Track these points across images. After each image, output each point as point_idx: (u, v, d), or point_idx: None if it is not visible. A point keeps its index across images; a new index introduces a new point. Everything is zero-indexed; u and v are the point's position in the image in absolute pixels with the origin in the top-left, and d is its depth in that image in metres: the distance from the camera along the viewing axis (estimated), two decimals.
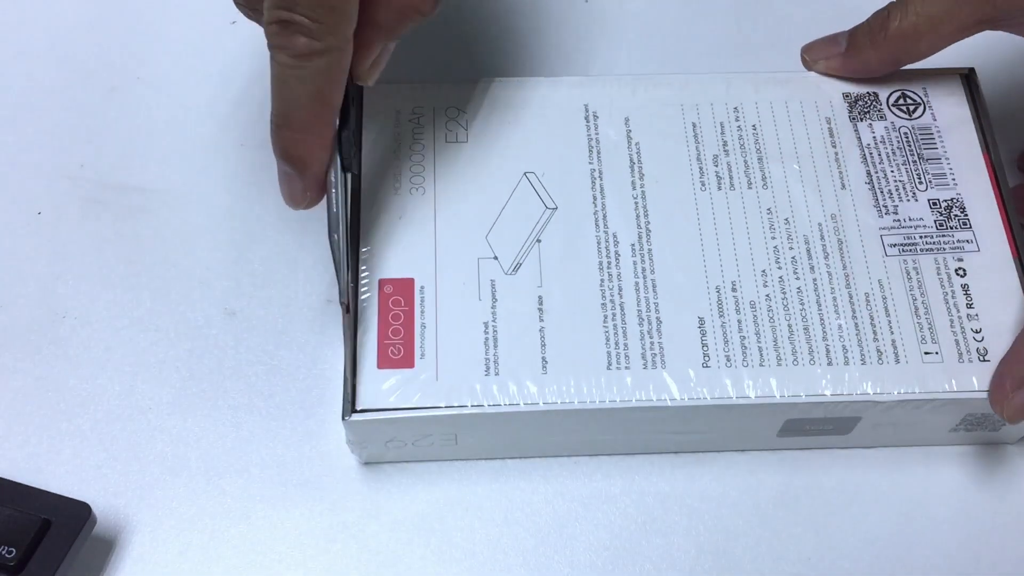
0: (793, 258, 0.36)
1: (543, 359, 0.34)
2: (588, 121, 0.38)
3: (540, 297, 0.35)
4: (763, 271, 0.36)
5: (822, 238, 0.36)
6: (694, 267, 0.36)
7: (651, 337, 0.35)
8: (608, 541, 0.36)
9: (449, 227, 0.36)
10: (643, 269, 0.36)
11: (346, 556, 0.35)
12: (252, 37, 0.46)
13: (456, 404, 0.34)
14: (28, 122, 0.44)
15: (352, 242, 0.36)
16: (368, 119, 0.38)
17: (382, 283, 0.35)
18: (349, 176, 0.35)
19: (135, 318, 0.39)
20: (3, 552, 0.32)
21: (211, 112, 0.44)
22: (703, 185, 0.37)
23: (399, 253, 0.36)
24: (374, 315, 0.35)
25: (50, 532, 0.33)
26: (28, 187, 0.42)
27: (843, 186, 0.37)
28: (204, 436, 0.37)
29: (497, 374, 0.34)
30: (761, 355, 0.34)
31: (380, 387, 0.34)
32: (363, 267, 0.36)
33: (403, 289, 0.35)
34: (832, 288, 0.36)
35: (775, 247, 0.36)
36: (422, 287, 0.35)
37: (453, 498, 0.36)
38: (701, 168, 0.38)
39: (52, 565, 0.33)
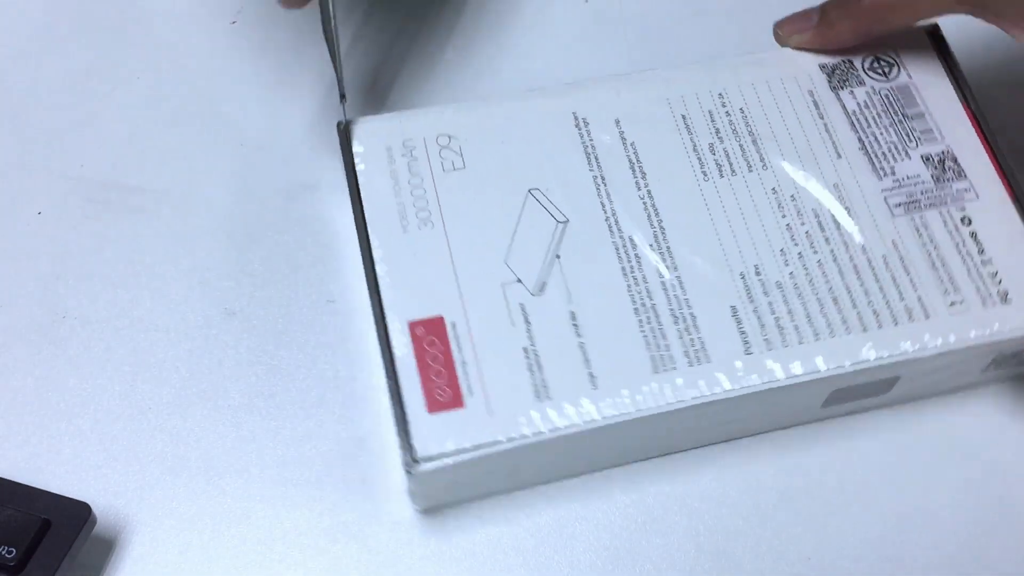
0: (807, 232, 0.36)
1: (590, 374, 0.34)
2: (580, 128, 0.38)
3: (572, 312, 0.35)
4: (781, 250, 0.36)
5: (830, 209, 0.37)
6: (715, 257, 0.36)
7: (689, 334, 0.35)
8: (608, 541, 0.36)
9: (466, 257, 0.36)
10: (666, 267, 0.36)
11: (346, 556, 0.35)
12: (252, 37, 0.46)
13: (517, 436, 0.33)
14: (28, 122, 0.44)
15: (369, 271, 0.36)
16: (362, 162, 0.37)
17: (412, 326, 0.35)
18: None
19: (135, 318, 0.39)
20: (3, 552, 0.33)
21: (211, 112, 0.44)
22: (705, 175, 0.37)
23: (422, 292, 0.35)
24: (412, 360, 0.34)
25: (50, 532, 0.33)
26: (28, 187, 0.42)
27: (838, 155, 0.38)
28: (204, 436, 0.37)
29: (549, 398, 0.34)
30: (799, 333, 0.35)
31: (436, 433, 0.33)
32: (390, 313, 0.35)
33: (435, 328, 0.35)
34: (850, 256, 0.36)
35: (787, 224, 0.37)
36: (453, 323, 0.35)
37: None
38: (700, 158, 0.38)
39: (52, 565, 0.33)
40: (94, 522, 0.34)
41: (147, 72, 0.45)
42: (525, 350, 0.34)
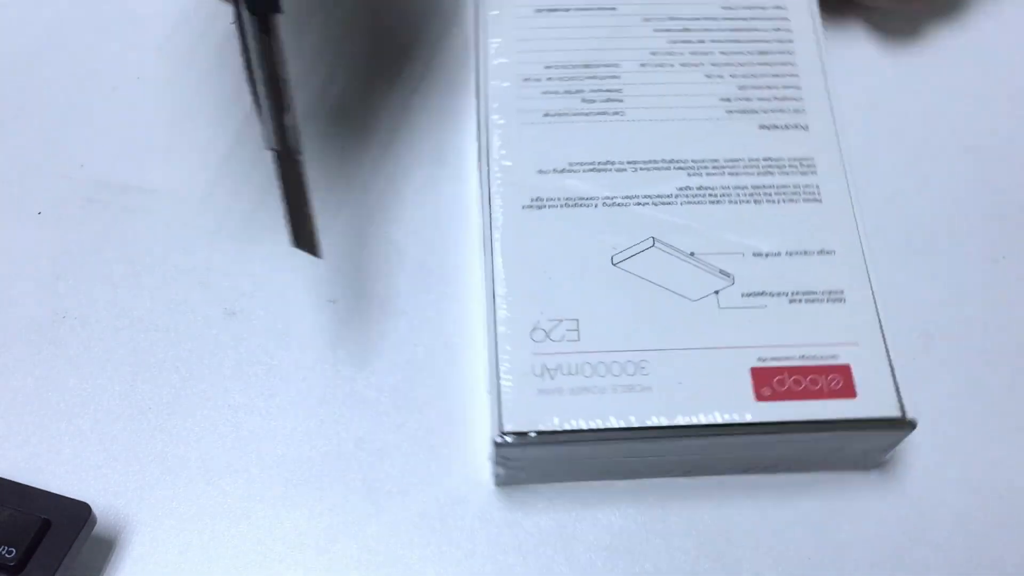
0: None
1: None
2: None
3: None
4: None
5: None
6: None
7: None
8: (608, 541, 0.36)
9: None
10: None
11: (346, 556, 0.35)
12: None
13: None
14: (28, 122, 0.44)
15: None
16: None
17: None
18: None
19: (135, 318, 0.39)
20: (3, 552, 0.33)
21: (211, 112, 0.44)
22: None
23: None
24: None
25: (50, 532, 0.33)
26: (28, 187, 0.42)
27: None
28: (204, 436, 0.37)
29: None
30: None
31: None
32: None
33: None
34: None
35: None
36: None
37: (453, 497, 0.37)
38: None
39: (52, 565, 0.33)
40: (94, 522, 0.34)
41: (147, 72, 0.45)
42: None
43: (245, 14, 0.29)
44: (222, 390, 0.38)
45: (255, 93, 0.29)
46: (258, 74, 0.29)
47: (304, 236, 0.31)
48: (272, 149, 0.29)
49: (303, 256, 0.40)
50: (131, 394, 0.38)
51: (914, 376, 0.38)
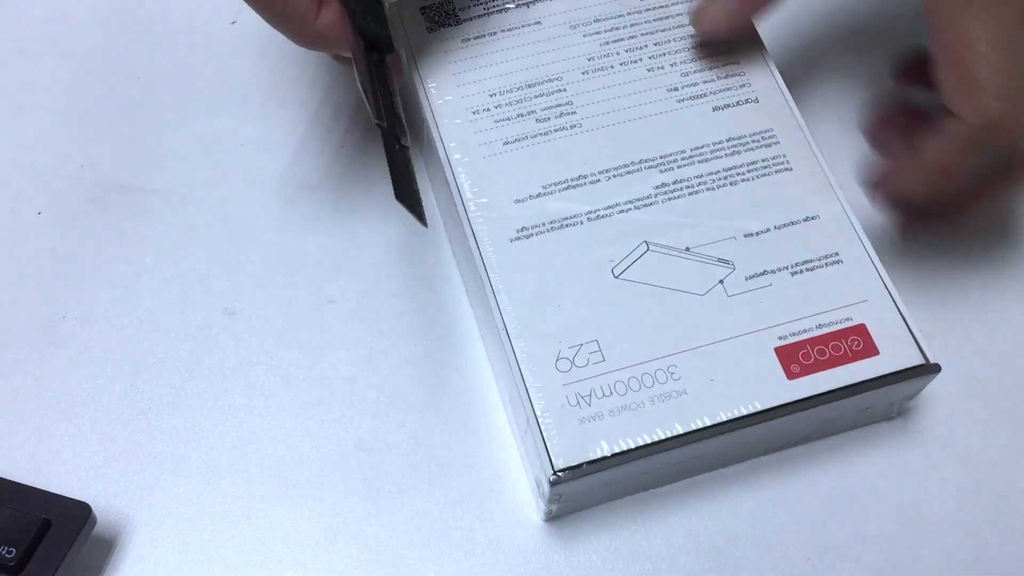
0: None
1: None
2: None
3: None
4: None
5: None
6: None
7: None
8: (608, 541, 0.36)
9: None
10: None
11: (346, 556, 0.35)
12: (252, 37, 0.46)
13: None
14: (28, 122, 0.44)
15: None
16: None
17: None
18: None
19: (135, 318, 0.39)
20: (3, 552, 0.32)
21: (211, 112, 0.44)
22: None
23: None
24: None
25: (50, 532, 0.33)
26: (28, 187, 0.42)
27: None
28: (204, 436, 0.37)
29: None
30: None
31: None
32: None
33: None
34: None
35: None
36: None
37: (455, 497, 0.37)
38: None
39: (52, 565, 0.33)
40: (94, 522, 0.34)
41: (147, 72, 0.45)
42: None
43: (370, 52, 0.36)
44: (222, 390, 0.38)
45: (373, 103, 0.35)
46: (379, 88, 0.36)
47: (410, 200, 0.34)
48: (379, 125, 0.35)
49: (303, 256, 0.41)
50: (131, 394, 0.38)
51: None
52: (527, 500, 0.36)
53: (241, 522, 0.36)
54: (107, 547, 0.35)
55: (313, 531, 0.36)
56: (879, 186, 0.38)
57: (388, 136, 0.35)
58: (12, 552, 0.32)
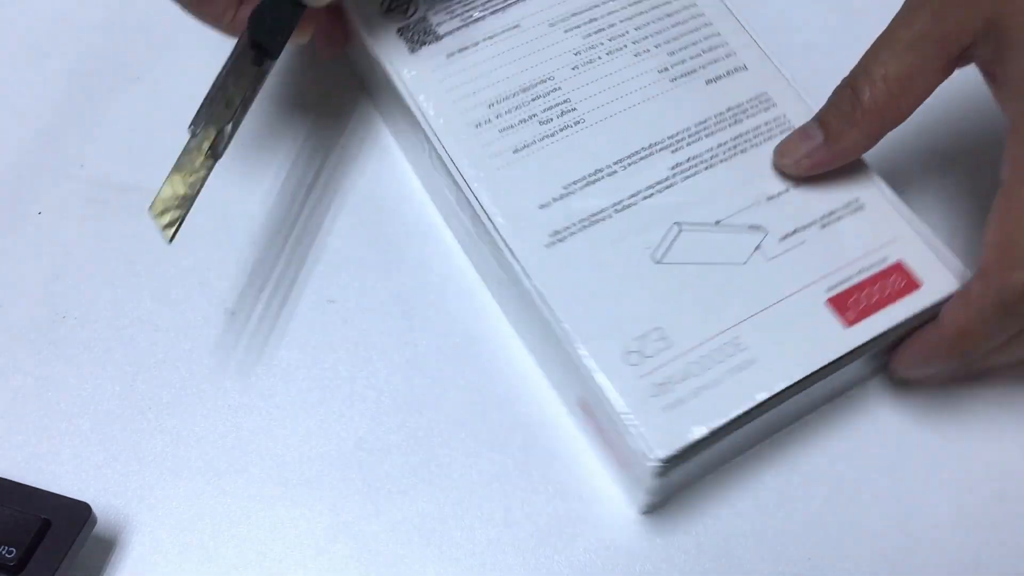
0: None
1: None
2: None
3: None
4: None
5: None
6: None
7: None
8: (608, 540, 0.36)
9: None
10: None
11: (346, 556, 0.35)
12: None
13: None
14: (28, 122, 0.44)
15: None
16: None
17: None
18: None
19: (135, 318, 0.39)
20: (3, 552, 0.33)
21: None
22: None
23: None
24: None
25: (50, 532, 0.33)
26: (28, 187, 0.42)
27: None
28: (204, 436, 0.37)
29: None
30: None
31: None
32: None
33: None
34: None
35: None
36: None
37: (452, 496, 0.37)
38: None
39: (52, 565, 0.33)
40: (94, 522, 0.34)
41: (147, 72, 0.45)
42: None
43: (249, 49, 0.36)
44: (222, 390, 0.38)
45: (214, 98, 0.35)
46: (232, 89, 0.36)
47: (167, 208, 0.35)
48: (192, 132, 0.35)
49: (302, 256, 0.41)
50: (131, 394, 0.38)
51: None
52: (532, 500, 0.36)
53: (241, 522, 0.36)
54: (107, 547, 0.35)
55: (313, 531, 0.36)
56: (899, 359, 0.36)
57: (192, 143, 0.35)
58: (12, 552, 0.32)
